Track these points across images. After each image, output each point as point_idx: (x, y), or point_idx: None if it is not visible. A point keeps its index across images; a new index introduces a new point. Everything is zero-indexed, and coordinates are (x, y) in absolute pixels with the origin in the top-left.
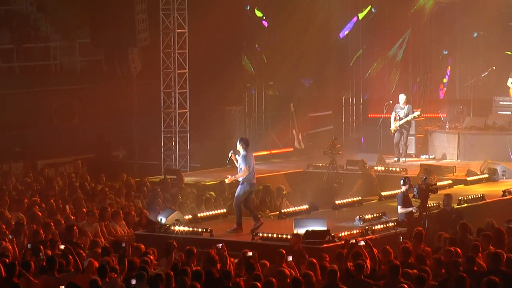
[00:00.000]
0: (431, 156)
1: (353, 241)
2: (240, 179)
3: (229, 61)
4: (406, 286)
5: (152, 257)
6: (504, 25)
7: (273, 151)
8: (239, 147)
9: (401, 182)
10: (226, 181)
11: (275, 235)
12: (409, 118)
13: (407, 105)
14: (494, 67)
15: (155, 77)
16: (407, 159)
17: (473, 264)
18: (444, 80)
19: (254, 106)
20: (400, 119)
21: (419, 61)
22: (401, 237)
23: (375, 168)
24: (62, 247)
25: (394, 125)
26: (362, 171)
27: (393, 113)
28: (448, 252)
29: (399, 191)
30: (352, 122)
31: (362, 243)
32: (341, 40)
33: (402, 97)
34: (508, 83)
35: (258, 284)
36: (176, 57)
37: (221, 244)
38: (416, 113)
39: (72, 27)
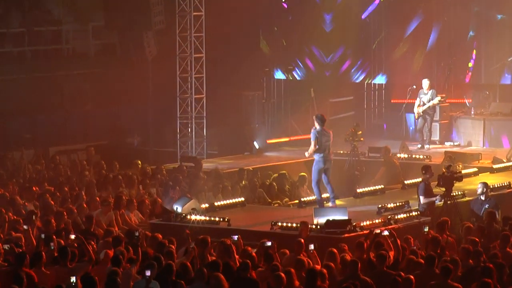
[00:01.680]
0: (455, 143)
1: (377, 231)
2: (314, 156)
3: (247, 44)
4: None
5: (173, 247)
6: None
7: (292, 138)
8: (315, 123)
9: (422, 171)
10: (306, 154)
11: (294, 225)
12: (432, 103)
13: (431, 90)
14: None
15: (171, 61)
16: (431, 146)
17: (497, 256)
18: (470, 64)
19: (273, 92)
20: (424, 104)
21: (443, 44)
22: (426, 227)
23: (398, 155)
24: (72, 237)
25: (417, 111)
26: (385, 158)
27: (418, 99)
28: (472, 242)
29: (420, 179)
30: (374, 108)
31: (386, 232)
32: (363, 21)
33: (425, 82)
34: None
35: (282, 274)
36: (193, 41)
37: (236, 236)
38: (438, 98)
39: (84, 9)
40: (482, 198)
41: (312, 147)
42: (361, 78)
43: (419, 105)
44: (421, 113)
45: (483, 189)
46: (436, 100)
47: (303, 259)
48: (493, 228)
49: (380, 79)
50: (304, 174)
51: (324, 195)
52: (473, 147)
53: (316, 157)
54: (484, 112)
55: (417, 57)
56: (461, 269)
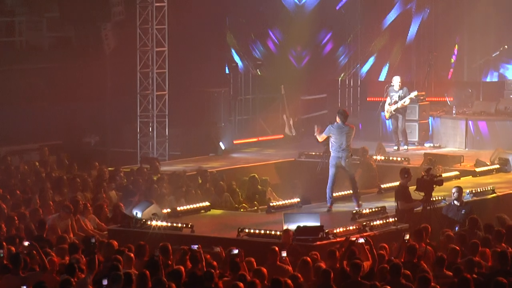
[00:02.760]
0: (436, 144)
1: (353, 238)
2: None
3: (212, 37)
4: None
5: (132, 255)
6: None
7: (261, 138)
8: (336, 118)
9: (404, 174)
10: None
11: (262, 231)
12: (407, 99)
13: (403, 88)
14: (506, 46)
15: (131, 55)
16: (409, 147)
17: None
18: (451, 60)
19: (241, 88)
20: (395, 103)
21: (423, 38)
22: (406, 235)
23: (374, 157)
24: (26, 243)
25: (389, 110)
26: (362, 159)
27: (388, 97)
28: (453, 251)
29: (397, 183)
30: (348, 106)
31: (362, 240)
32: (338, 13)
33: (396, 79)
34: None
35: (241, 285)
36: (154, 34)
37: (196, 246)
38: (413, 94)
39: (38, 0)
40: (457, 203)
41: (319, 138)
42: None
43: (390, 104)
44: (393, 112)
45: (458, 194)
46: (412, 95)
47: (285, 267)
48: (476, 236)
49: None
50: (266, 177)
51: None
52: (454, 148)
53: (331, 152)
54: (466, 111)
55: (395, 52)
56: (436, 280)
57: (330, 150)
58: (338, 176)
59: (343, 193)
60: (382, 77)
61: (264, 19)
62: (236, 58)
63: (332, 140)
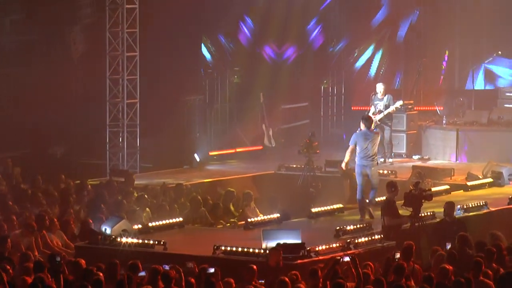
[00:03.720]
0: (425, 157)
1: (337, 257)
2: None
3: (187, 42)
4: None
5: (101, 275)
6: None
7: (238, 149)
8: (360, 124)
9: (391, 188)
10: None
11: (240, 249)
12: (392, 109)
13: (387, 96)
14: (500, 52)
15: (100, 60)
16: (394, 159)
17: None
18: (442, 67)
19: (217, 96)
20: (380, 112)
21: (411, 44)
22: (397, 254)
23: None
24: None
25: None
26: (340, 172)
27: (372, 106)
28: (442, 270)
29: (383, 198)
30: (332, 116)
31: (347, 258)
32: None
33: (379, 87)
34: None
35: None
36: (125, 37)
37: (167, 266)
38: (399, 103)
39: (2, 0)
40: (448, 219)
41: (346, 155)
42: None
43: (374, 113)
44: (378, 122)
45: (449, 210)
46: (398, 104)
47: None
48: (466, 254)
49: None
50: (249, 191)
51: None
52: (444, 161)
53: (356, 160)
54: (457, 121)
55: (380, 59)
56: None
57: (356, 158)
58: (366, 184)
59: (325, 208)
60: (372, 71)
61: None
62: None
63: (357, 147)
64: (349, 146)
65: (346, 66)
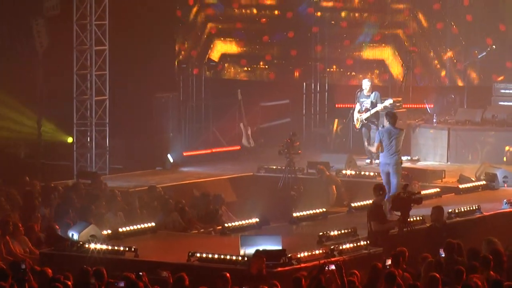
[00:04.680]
0: (414, 158)
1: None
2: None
3: (160, 35)
4: None
5: (69, 283)
6: None
7: (215, 150)
8: (384, 121)
9: (379, 191)
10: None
11: (216, 256)
12: (380, 107)
13: (374, 93)
14: (494, 46)
15: (67, 55)
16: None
17: None
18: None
19: (192, 93)
20: (367, 110)
21: (399, 37)
22: (388, 261)
23: (344, 172)
24: None
25: (359, 118)
26: (322, 179)
27: (357, 104)
28: (432, 279)
29: (370, 201)
30: (315, 114)
31: (333, 267)
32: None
33: (366, 83)
34: None
35: None
36: (94, 30)
37: (140, 273)
38: (388, 102)
39: None
40: (437, 225)
41: (373, 149)
42: None
43: (360, 111)
44: (364, 121)
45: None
46: (387, 103)
47: None
48: (455, 262)
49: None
50: (220, 193)
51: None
52: (435, 162)
53: (380, 158)
54: (449, 120)
55: (366, 53)
56: None
57: (380, 155)
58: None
59: (307, 212)
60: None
61: None
62: None
63: (383, 144)
64: (376, 144)
65: (328, 61)
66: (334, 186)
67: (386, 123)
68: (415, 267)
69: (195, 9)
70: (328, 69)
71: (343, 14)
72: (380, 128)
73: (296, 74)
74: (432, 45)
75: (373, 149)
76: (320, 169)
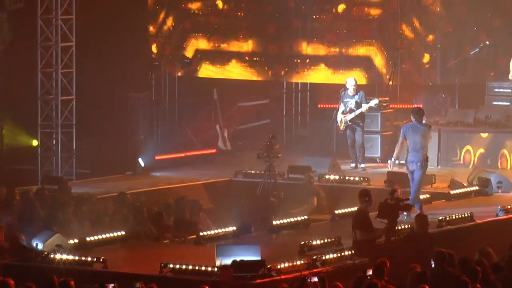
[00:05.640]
0: (402, 161)
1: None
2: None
3: (131, 30)
4: None
5: None
6: None
7: (189, 153)
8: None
9: (364, 197)
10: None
11: (190, 267)
12: (366, 107)
13: (359, 93)
14: (487, 42)
15: (30, 52)
16: (367, 164)
17: None
18: (426, 59)
19: (165, 92)
20: (351, 111)
21: (387, 32)
22: (369, 271)
23: (327, 177)
24: None
25: (342, 120)
26: (307, 187)
27: (341, 104)
28: None
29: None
30: (296, 115)
31: (315, 279)
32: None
33: (350, 82)
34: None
35: None
36: (59, 25)
37: (112, 285)
38: (373, 102)
39: None
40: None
41: (396, 150)
42: None
43: (344, 112)
44: (349, 123)
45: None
46: (373, 103)
47: None
48: (447, 273)
49: None
50: (197, 199)
51: None
52: None
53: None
54: (439, 121)
55: (352, 48)
56: None
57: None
58: None
59: (288, 220)
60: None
61: None
62: None
63: (408, 142)
64: (401, 138)
65: (313, 58)
66: (315, 198)
67: (413, 119)
68: (403, 278)
69: (168, 3)
70: (310, 67)
71: (326, 8)
72: (404, 124)
73: (276, 72)
74: (421, 41)
75: (397, 146)
76: (309, 176)
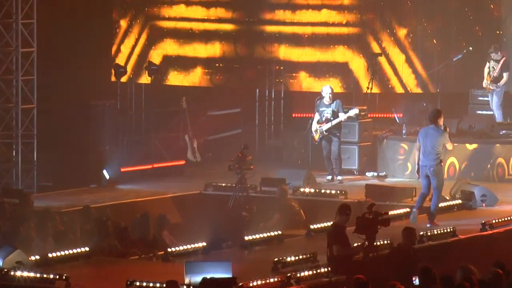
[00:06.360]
0: (381, 174)
1: None
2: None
3: (95, 36)
4: None
5: None
6: None
7: (156, 165)
8: None
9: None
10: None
11: (158, 285)
12: (341, 119)
13: (335, 101)
14: (471, 48)
15: None
16: (344, 177)
17: None
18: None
19: (131, 101)
20: (328, 121)
21: (366, 37)
22: None
23: (302, 190)
24: None
25: (318, 130)
26: (280, 201)
27: (316, 113)
28: None
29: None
30: (269, 124)
31: None
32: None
33: (326, 90)
34: (485, 70)
35: None
36: (20, 30)
37: None
38: (353, 112)
39: None
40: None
41: (416, 156)
42: None
43: (319, 122)
44: (325, 133)
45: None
46: (352, 113)
47: None
48: None
49: None
50: (163, 214)
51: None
52: (405, 179)
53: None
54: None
55: (328, 54)
56: None
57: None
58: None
59: (261, 235)
60: None
61: None
62: None
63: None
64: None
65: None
66: (278, 216)
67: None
68: None
69: (135, 6)
70: (284, 74)
71: (301, 11)
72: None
73: (248, 79)
74: (401, 46)
75: (415, 151)
76: (283, 189)
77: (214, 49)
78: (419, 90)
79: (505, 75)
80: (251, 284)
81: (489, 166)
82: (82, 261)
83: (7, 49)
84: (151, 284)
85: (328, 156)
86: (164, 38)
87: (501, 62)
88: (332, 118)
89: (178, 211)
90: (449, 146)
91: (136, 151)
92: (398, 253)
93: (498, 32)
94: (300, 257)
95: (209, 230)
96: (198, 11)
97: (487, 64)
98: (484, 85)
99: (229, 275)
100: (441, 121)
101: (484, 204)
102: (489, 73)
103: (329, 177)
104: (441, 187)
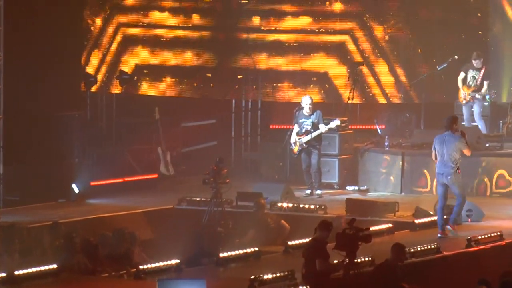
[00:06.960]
0: (362, 188)
1: None
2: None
3: (64, 43)
4: None
5: None
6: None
7: (127, 179)
8: None
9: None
10: None
11: None
12: (322, 130)
13: (316, 112)
14: (456, 56)
15: None
16: (324, 191)
17: None
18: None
19: (101, 111)
20: (308, 133)
21: (347, 46)
22: None
23: (280, 204)
24: None
25: (297, 142)
26: (256, 216)
27: (295, 125)
28: None
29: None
30: (245, 136)
31: None
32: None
33: (306, 100)
34: (459, 81)
35: None
36: None
37: None
38: (334, 123)
39: None
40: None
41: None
42: None
43: (299, 134)
44: (304, 145)
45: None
46: (333, 125)
47: None
48: None
49: None
50: (133, 232)
51: None
52: (387, 193)
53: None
54: (403, 143)
55: (308, 62)
56: None
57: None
58: (447, 195)
59: (237, 252)
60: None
61: None
62: None
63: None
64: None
65: (262, 74)
66: (252, 232)
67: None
68: None
69: (105, 13)
70: (262, 84)
71: (277, 18)
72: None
73: (224, 89)
74: (384, 55)
75: (433, 158)
76: (260, 203)
77: (188, 58)
78: (402, 101)
79: (485, 83)
80: None
81: (475, 180)
82: (50, 279)
83: None
84: None
85: (308, 170)
86: (138, 45)
87: (482, 71)
88: (312, 130)
89: (150, 226)
90: (467, 152)
91: (107, 164)
92: (383, 269)
93: (484, 39)
94: (278, 274)
95: (190, 243)
96: (172, 18)
97: (463, 74)
98: (462, 96)
99: None
100: (456, 127)
101: (469, 220)
102: (467, 83)
103: (308, 191)
104: (464, 193)
